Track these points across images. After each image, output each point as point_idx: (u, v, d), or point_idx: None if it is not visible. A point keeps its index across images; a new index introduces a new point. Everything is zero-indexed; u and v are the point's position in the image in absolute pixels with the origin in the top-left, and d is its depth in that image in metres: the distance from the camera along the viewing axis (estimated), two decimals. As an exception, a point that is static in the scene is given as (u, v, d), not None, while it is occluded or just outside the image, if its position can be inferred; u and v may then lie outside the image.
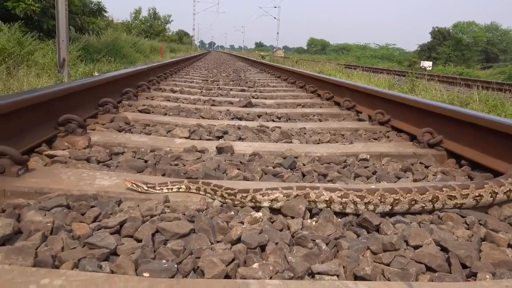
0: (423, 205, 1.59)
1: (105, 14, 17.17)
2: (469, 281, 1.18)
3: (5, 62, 7.89)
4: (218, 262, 1.13)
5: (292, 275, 1.13)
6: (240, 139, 2.79)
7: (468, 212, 1.62)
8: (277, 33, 61.87)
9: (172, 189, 1.67)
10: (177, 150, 2.36)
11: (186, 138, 2.70)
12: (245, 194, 1.57)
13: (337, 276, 1.16)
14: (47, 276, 1.02)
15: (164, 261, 1.16)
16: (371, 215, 1.47)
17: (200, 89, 5.85)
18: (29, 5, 10.29)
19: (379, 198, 1.55)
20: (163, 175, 1.94)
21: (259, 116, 3.72)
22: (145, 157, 2.19)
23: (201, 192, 1.67)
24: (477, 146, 2.33)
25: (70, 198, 1.52)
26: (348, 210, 1.56)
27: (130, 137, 2.57)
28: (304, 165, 2.22)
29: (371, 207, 1.55)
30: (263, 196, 1.56)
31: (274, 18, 63.80)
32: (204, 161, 2.16)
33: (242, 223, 1.43)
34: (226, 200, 1.60)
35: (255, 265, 1.15)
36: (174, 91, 5.31)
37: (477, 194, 1.63)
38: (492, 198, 1.65)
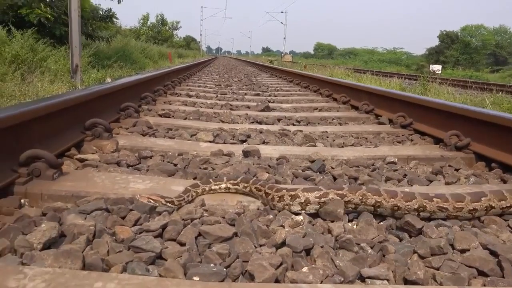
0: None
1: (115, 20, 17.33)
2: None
3: (19, 68, 7.99)
4: (268, 266, 1.11)
5: (342, 279, 1.11)
6: (264, 142, 2.78)
7: (508, 216, 1.59)
8: (284, 38, 61.97)
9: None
10: (204, 154, 2.36)
11: (210, 142, 2.69)
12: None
13: (387, 280, 1.13)
14: (100, 280, 1.01)
15: (212, 264, 1.14)
16: (413, 218, 1.44)
17: (215, 93, 5.85)
18: (44, 12, 10.42)
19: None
20: (194, 178, 1.93)
21: (279, 120, 3.71)
22: (174, 161, 2.18)
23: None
24: (507, 149, 2.29)
25: (107, 201, 1.52)
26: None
27: (155, 141, 2.57)
28: (332, 168, 2.20)
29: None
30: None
31: (281, 23, 63.89)
32: (232, 164, 2.15)
33: (283, 226, 1.41)
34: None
35: (305, 269, 1.13)
36: (190, 96, 5.32)
37: None
38: None
